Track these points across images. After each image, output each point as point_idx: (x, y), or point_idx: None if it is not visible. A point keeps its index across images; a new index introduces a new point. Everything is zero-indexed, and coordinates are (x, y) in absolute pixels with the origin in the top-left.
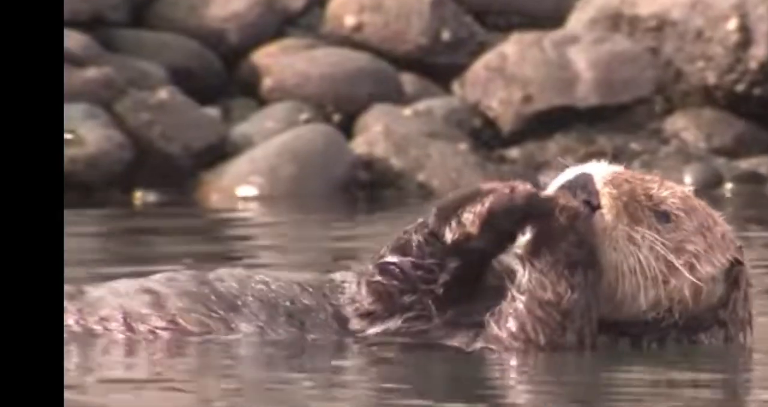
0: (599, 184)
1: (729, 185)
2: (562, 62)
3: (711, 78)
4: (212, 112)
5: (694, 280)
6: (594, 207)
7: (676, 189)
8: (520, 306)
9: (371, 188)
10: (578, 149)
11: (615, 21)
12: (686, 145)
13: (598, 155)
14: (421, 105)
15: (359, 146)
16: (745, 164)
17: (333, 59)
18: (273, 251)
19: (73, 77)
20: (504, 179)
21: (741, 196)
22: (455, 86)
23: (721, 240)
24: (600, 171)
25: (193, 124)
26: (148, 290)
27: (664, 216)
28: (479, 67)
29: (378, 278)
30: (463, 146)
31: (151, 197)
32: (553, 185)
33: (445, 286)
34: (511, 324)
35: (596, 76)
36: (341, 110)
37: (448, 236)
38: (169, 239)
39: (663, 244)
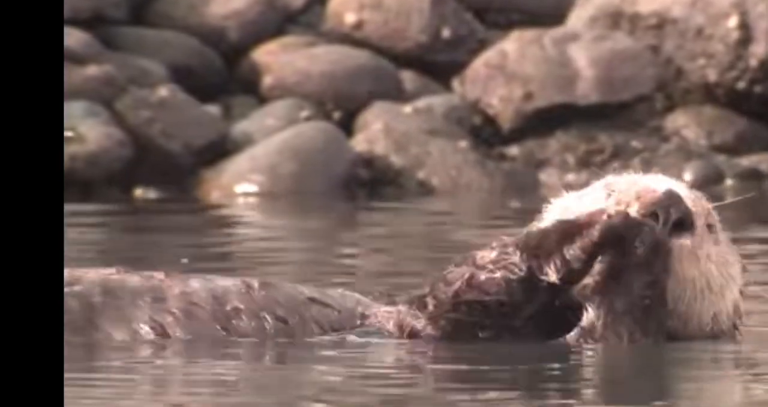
0: (689, 203)
1: (730, 183)
2: (563, 60)
3: (711, 76)
4: (213, 109)
5: (741, 290)
6: (686, 227)
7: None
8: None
9: (371, 186)
10: (578, 147)
11: (615, 19)
12: (687, 142)
13: (599, 152)
14: (422, 103)
15: (359, 143)
16: (746, 162)
17: (333, 57)
18: (272, 251)
19: (73, 75)
20: (506, 178)
21: (742, 193)
22: (455, 84)
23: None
24: (680, 187)
25: (194, 121)
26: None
27: (710, 228)
28: (479, 64)
29: (452, 315)
30: (463, 143)
31: (152, 194)
32: (620, 194)
33: (525, 319)
34: None
35: (597, 74)
36: (341, 107)
37: (552, 275)
38: (167, 237)
39: (720, 257)
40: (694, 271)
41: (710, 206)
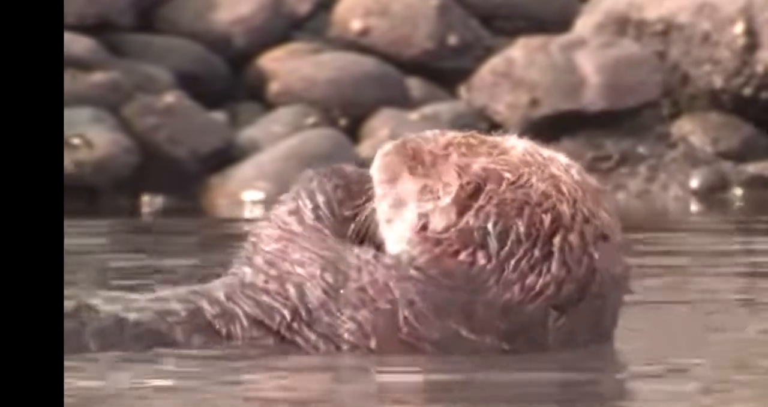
0: None
1: (736, 190)
2: (569, 66)
3: (718, 82)
4: (219, 116)
5: None
6: None
7: (449, 135)
8: None
9: None
10: (585, 154)
11: (622, 25)
12: (693, 149)
13: (605, 159)
14: (428, 109)
15: (366, 150)
16: (752, 168)
17: (339, 64)
18: None
19: (79, 81)
20: None
21: (749, 200)
22: (462, 91)
23: (466, 167)
24: None
25: (200, 128)
26: None
27: None
28: (486, 71)
29: None
30: None
31: (158, 201)
32: None
33: None
34: None
35: (603, 81)
36: (348, 114)
37: None
38: (173, 245)
39: None
40: None
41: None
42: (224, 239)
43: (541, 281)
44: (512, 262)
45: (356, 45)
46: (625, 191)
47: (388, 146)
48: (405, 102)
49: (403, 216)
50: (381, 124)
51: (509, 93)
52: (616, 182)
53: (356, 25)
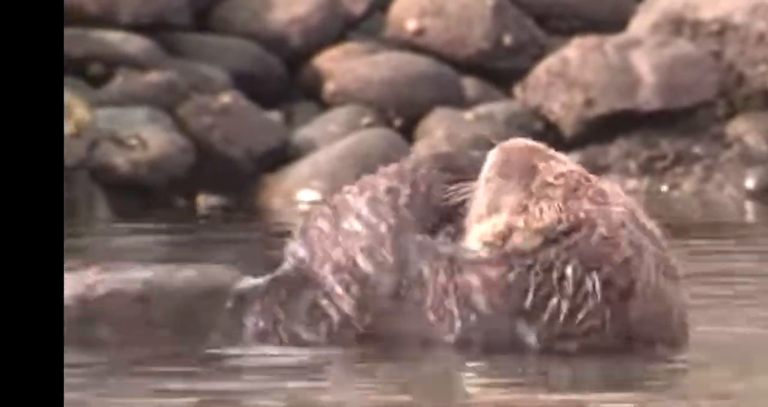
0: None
1: None
2: (624, 66)
3: None
4: (274, 116)
5: None
6: None
7: (567, 167)
8: None
9: None
10: (640, 153)
11: (677, 25)
12: (748, 149)
13: (660, 159)
14: (483, 109)
15: (421, 150)
16: None
17: (395, 63)
18: None
19: (135, 81)
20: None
21: None
22: (517, 90)
23: (567, 204)
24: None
25: (256, 128)
26: None
27: None
28: (541, 71)
29: None
30: None
31: (213, 201)
32: None
33: None
34: None
35: (658, 80)
36: (403, 114)
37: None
38: (227, 244)
39: None
40: None
41: None
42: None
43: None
44: (576, 312)
45: (411, 45)
46: (679, 190)
47: (517, 143)
48: (460, 102)
49: (492, 221)
50: (436, 124)
51: (564, 93)
52: (671, 182)
53: (411, 25)
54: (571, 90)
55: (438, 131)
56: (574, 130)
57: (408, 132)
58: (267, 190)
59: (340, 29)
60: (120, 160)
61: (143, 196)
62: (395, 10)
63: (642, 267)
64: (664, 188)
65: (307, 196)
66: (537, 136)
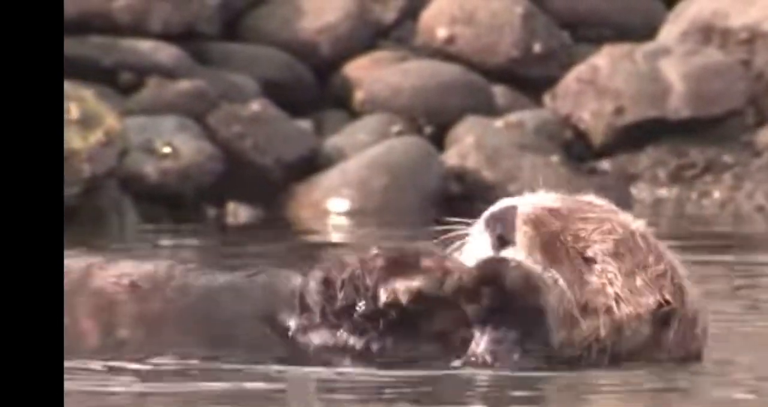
0: (519, 220)
1: None
2: (654, 74)
3: None
4: (304, 124)
5: (608, 321)
6: (506, 243)
7: (613, 231)
8: None
9: (462, 201)
10: (670, 162)
11: (707, 33)
12: None
13: (690, 167)
14: (513, 117)
15: (451, 158)
16: None
17: (425, 72)
18: None
19: (165, 90)
20: (597, 192)
21: None
22: (546, 98)
23: (654, 281)
24: (527, 205)
25: (285, 136)
26: None
27: (589, 261)
28: (571, 79)
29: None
30: (554, 158)
31: (243, 209)
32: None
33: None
34: None
35: (688, 89)
36: (433, 122)
37: (382, 297)
38: (257, 252)
39: (577, 286)
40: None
41: (612, 236)
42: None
43: None
44: None
45: (442, 53)
46: (709, 199)
47: (530, 215)
48: (490, 110)
49: (590, 323)
50: (466, 131)
51: (594, 101)
52: (701, 190)
53: (442, 33)
54: (601, 98)
55: (468, 138)
56: (604, 138)
57: (438, 140)
58: (296, 198)
59: (370, 37)
60: (150, 169)
61: (173, 205)
62: (425, 18)
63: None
64: (694, 196)
65: (337, 205)
66: (567, 144)
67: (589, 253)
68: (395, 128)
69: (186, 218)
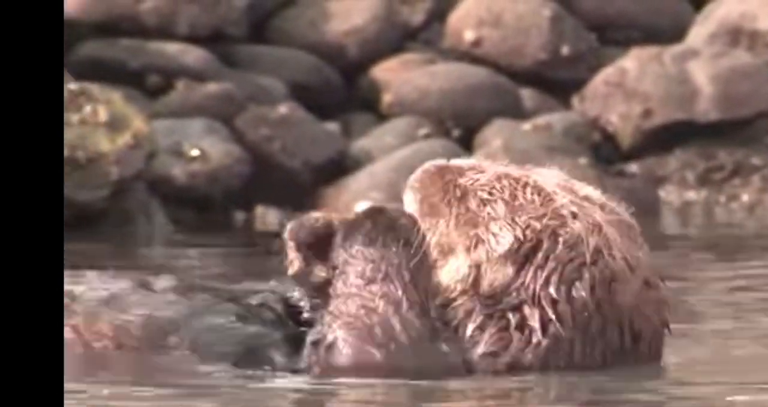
0: (409, 184)
1: None
2: (682, 77)
3: None
4: (332, 127)
5: (467, 260)
6: None
7: (499, 180)
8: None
9: None
10: (698, 164)
11: (735, 36)
12: None
13: (718, 169)
14: (541, 120)
15: (479, 160)
16: None
17: (452, 74)
18: None
19: (193, 93)
20: (625, 195)
21: None
22: (575, 101)
23: (518, 223)
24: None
25: (313, 139)
26: None
27: (468, 210)
28: (599, 81)
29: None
30: (582, 160)
31: (271, 212)
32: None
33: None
34: None
35: (716, 91)
36: (460, 124)
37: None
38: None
39: (448, 231)
40: None
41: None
42: None
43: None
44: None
45: (469, 55)
46: (737, 202)
47: (422, 174)
48: (518, 112)
49: (452, 265)
50: (494, 134)
51: (622, 103)
52: (729, 193)
53: (469, 35)
54: (629, 101)
55: (496, 141)
56: (632, 141)
57: (466, 143)
58: (324, 201)
59: (398, 40)
60: (178, 171)
61: (201, 207)
62: (453, 21)
63: (613, 249)
64: (722, 199)
65: (364, 207)
66: (595, 146)
67: (470, 203)
68: (423, 131)
69: (214, 221)
